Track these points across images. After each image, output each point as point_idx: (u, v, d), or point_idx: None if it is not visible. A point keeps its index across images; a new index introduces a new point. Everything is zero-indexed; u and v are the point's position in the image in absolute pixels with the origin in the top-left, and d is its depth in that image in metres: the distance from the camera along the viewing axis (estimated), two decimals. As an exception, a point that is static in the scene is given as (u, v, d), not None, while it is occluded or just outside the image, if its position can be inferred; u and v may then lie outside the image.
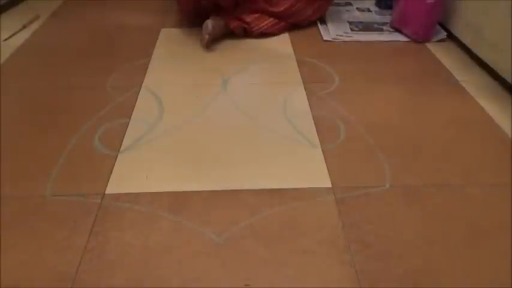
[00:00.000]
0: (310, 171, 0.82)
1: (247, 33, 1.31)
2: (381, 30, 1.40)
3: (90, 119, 0.95)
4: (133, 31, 1.40)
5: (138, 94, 1.05)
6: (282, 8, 1.12)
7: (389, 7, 1.50)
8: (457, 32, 1.31)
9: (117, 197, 0.75)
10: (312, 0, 1.36)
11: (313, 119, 0.96)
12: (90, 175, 0.80)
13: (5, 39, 1.32)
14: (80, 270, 0.62)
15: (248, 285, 0.61)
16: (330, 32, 1.39)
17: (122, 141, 0.88)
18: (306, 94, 1.05)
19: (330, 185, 0.78)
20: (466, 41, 1.25)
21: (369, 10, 1.55)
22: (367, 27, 1.42)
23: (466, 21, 1.25)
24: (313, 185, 0.78)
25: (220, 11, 1.27)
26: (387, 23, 1.44)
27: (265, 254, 0.65)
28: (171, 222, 0.70)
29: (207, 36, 1.22)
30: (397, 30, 1.40)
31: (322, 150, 0.87)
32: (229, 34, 1.31)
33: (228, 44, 1.29)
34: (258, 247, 0.66)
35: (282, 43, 1.31)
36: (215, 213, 0.72)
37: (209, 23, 1.22)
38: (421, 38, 1.33)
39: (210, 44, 1.25)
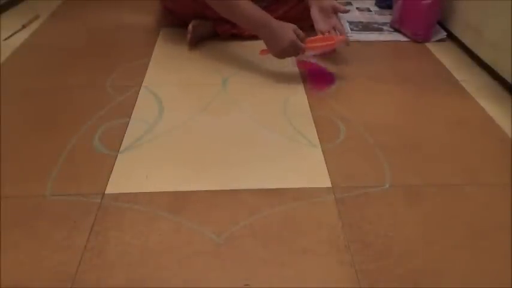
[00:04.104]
0: (310, 171, 0.82)
1: (235, 37, 1.31)
2: (381, 30, 1.41)
3: (90, 119, 0.95)
4: (133, 31, 1.40)
5: (138, 94, 1.05)
6: (272, 16, 1.12)
7: (389, 7, 1.50)
8: (457, 32, 1.31)
9: (117, 196, 0.75)
10: (307, 8, 1.35)
11: (313, 118, 0.96)
12: (90, 175, 0.80)
13: (5, 39, 1.32)
14: (79, 270, 0.62)
15: (248, 285, 0.61)
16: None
17: (122, 141, 0.88)
18: (306, 94, 1.06)
19: (329, 185, 0.78)
20: (466, 41, 1.25)
21: (369, 10, 1.55)
22: (367, 27, 1.42)
23: (466, 21, 1.25)
24: (313, 184, 0.78)
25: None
26: (387, 23, 1.44)
27: (264, 254, 0.65)
28: (171, 222, 0.70)
29: (188, 35, 1.24)
30: (397, 30, 1.40)
31: (322, 150, 0.87)
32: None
33: (228, 44, 1.29)
34: (257, 247, 0.66)
35: (282, 43, 1.31)
36: (215, 213, 0.72)
37: (191, 23, 1.23)
38: (420, 38, 1.33)
39: (193, 43, 1.26)
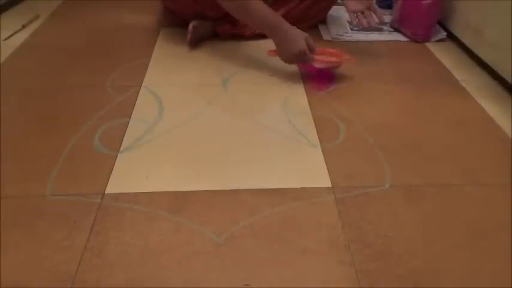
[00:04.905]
0: (310, 171, 0.82)
1: (235, 37, 1.31)
2: (381, 30, 1.41)
3: (90, 119, 0.95)
4: (133, 31, 1.40)
5: (138, 94, 1.05)
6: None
7: (389, 7, 1.50)
8: (457, 32, 1.31)
9: (116, 196, 0.75)
10: (308, 8, 1.35)
11: (313, 118, 0.96)
12: (90, 175, 0.80)
13: (5, 39, 1.32)
14: (79, 270, 0.62)
15: (248, 285, 0.61)
16: (330, 31, 1.39)
17: (122, 141, 0.88)
18: (306, 94, 1.06)
19: (329, 185, 0.78)
20: (466, 41, 1.25)
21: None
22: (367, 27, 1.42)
23: (466, 21, 1.25)
24: (313, 184, 0.78)
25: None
26: (387, 23, 1.44)
27: (265, 254, 0.65)
28: (171, 222, 0.70)
29: (188, 35, 1.24)
30: (397, 30, 1.40)
31: (322, 150, 0.87)
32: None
33: (228, 44, 1.29)
34: (257, 247, 0.66)
35: (282, 43, 1.31)
36: (215, 213, 0.72)
37: (191, 23, 1.23)
38: (420, 38, 1.33)
39: (193, 43, 1.26)
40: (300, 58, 1.08)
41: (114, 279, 0.61)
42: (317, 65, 1.11)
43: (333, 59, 1.13)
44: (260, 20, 1.08)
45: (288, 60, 1.10)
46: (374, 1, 1.19)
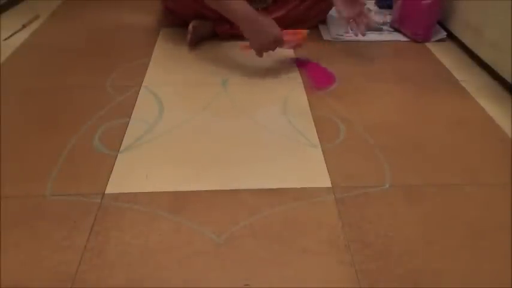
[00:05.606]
0: (310, 171, 0.82)
1: (235, 37, 1.31)
2: (381, 30, 1.41)
3: (90, 119, 0.95)
4: (133, 31, 1.40)
5: (138, 94, 1.05)
6: (273, 16, 1.13)
7: (389, 7, 1.50)
8: (457, 31, 1.31)
9: (117, 196, 0.75)
10: (308, 8, 1.35)
11: (313, 118, 0.96)
12: (90, 175, 0.80)
13: (5, 39, 1.32)
14: (79, 270, 0.62)
15: (248, 285, 0.61)
16: (330, 31, 1.39)
17: (122, 141, 0.88)
18: (306, 94, 1.06)
19: (329, 185, 0.78)
20: (466, 41, 1.25)
21: (369, 10, 1.55)
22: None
23: (466, 21, 1.25)
24: (313, 184, 0.78)
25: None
26: (387, 23, 1.44)
27: (265, 254, 0.65)
28: (171, 222, 0.70)
29: (188, 35, 1.24)
30: (397, 30, 1.40)
31: (322, 150, 0.87)
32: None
33: (228, 45, 1.29)
34: (257, 247, 0.66)
35: (282, 43, 1.31)
36: (215, 213, 0.72)
37: (191, 23, 1.24)
38: (420, 38, 1.33)
39: (193, 43, 1.26)
40: (273, 45, 1.10)
41: (114, 279, 0.61)
42: (285, 47, 1.13)
43: (295, 37, 1.15)
44: (233, 11, 1.08)
45: (263, 48, 1.10)
46: (365, 6, 1.18)
